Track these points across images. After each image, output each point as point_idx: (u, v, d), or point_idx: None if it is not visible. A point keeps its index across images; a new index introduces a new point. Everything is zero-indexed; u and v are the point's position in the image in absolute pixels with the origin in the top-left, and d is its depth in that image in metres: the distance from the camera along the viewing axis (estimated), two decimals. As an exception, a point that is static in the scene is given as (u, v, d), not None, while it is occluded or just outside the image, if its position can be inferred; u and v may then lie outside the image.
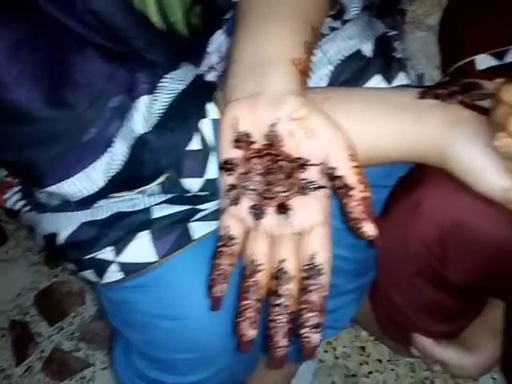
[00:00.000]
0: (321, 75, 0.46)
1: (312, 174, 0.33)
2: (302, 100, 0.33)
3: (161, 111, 0.38)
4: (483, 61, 0.58)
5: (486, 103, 0.35)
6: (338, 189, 0.32)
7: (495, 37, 0.57)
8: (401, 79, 0.47)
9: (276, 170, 0.33)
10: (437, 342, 0.51)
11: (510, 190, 0.32)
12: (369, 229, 0.31)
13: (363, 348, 0.89)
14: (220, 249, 0.34)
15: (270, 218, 0.33)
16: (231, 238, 0.34)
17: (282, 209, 0.33)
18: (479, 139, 0.34)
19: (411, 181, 0.40)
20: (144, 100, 0.37)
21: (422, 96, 0.36)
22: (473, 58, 0.59)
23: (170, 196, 0.43)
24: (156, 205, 0.44)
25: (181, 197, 0.43)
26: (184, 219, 0.44)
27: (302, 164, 0.32)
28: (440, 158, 0.36)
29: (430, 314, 0.46)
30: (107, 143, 0.38)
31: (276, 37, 0.37)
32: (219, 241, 0.35)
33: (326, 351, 0.89)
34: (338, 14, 0.46)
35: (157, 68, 0.39)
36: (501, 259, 0.37)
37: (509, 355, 0.41)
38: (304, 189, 0.33)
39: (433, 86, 0.37)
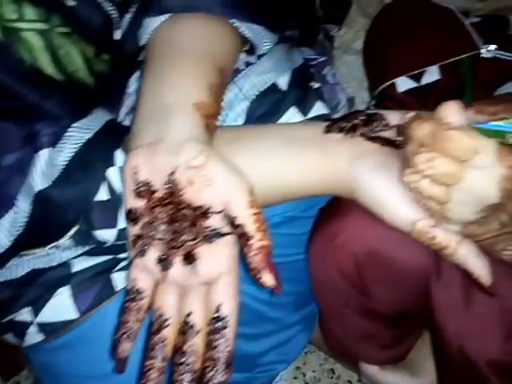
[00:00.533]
0: (238, 111, 0.46)
1: (215, 222, 0.32)
2: (201, 146, 0.32)
3: (65, 163, 0.36)
4: (403, 83, 0.60)
5: (389, 134, 0.36)
6: (238, 237, 0.31)
7: (413, 60, 0.59)
8: (317, 109, 0.47)
9: (180, 219, 0.32)
10: (382, 367, 0.51)
11: (417, 224, 0.32)
12: (267, 279, 0.30)
13: (333, 370, 0.87)
14: (127, 304, 0.33)
15: (178, 268, 0.32)
16: (139, 292, 0.33)
17: (189, 258, 0.32)
18: (384, 171, 0.34)
19: (328, 212, 0.40)
20: (44, 154, 0.36)
21: (328, 130, 0.36)
22: (393, 80, 0.61)
23: (88, 248, 0.42)
24: (75, 258, 0.42)
25: (99, 247, 0.41)
26: (106, 270, 0.42)
27: (204, 212, 0.32)
28: (348, 191, 0.36)
29: (368, 342, 0.46)
30: (10, 201, 0.36)
31: (179, 81, 0.36)
32: (126, 295, 0.33)
33: (295, 378, 0.87)
34: (252, 50, 0.46)
35: (61, 118, 0.38)
36: (416, 286, 0.37)
37: (441, 381, 0.41)
38: (209, 237, 0.32)
39: (337, 119, 0.37)
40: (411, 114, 0.31)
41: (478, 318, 0.35)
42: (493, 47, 0.53)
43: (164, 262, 0.32)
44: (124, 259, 0.43)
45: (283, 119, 0.46)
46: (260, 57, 0.48)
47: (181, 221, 0.32)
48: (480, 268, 0.32)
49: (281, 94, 0.47)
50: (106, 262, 0.42)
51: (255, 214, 0.31)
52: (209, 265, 0.31)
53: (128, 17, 0.42)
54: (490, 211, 0.29)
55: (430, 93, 0.57)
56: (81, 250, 0.42)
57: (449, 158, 0.28)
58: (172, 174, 0.31)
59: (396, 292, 0.38)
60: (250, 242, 0.30)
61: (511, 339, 0.34)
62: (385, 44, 0.61)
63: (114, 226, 0.37)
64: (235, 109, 0.46)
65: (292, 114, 0.46)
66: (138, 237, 0.33)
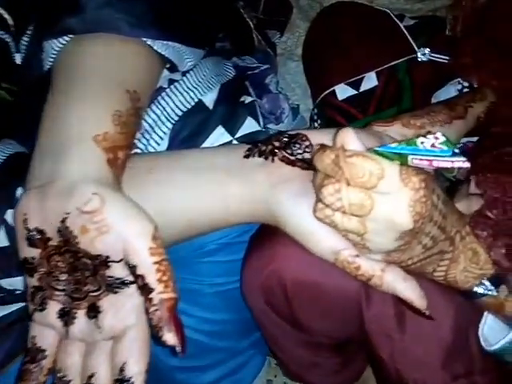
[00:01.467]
0: (161, 134, 0.43)
1: (117, 271, 0.29)
2: (94, 188, 0.28)
3: None
4: (343, 91, 0.58)
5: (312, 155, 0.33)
6: (139, 288, 0.28)
7: (351, 66, 0.57)
8: (247, 127, 0.45)
9: (81, 268, 0.29)
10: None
11: (340, 254, 0.30)
12: (168, 338, 0.27)
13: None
14: (25, 366, 0.29)
15: (81, 322, 0.29)
16: (40, 351, 0.29)
17: (92, 311, 0.29)
18: (306, 198, 0.31)
19: (257, 241, 0.37)
20: None
21: (248, 155, 0.34)
22: (333, 88, 0.59)
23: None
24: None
25: (12, 295, 0.37)
26: (20, 319, 0.38)
27: (104, 261, 0.28)
28: (272, 219, 0.33)
29: (316, 369, 0.43)
30: None
31: (79, 112, 0.32)
32: (25, 355, 0.30)
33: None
34: (173, 68, 0.43)
35: None
36: (348, 314, 0.35)
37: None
38: (112, 287, 0.29)
39: (258, 142, 0.35)
40: (316, 146, 0.29)
41: (413, 344, 0.33)
42: (427, 50, 0.52)
43: (66, 316, 0.29)
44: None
45: (209, 140, 0.43)
46: (185, 73, 0.45)
47: (82, 270, 0.29)
48: (410, 292, 0.30)
49: (207, 112, 0.44)
50: (19, 310, 0.38)
51: (157, 262, 0.27)
52: (113, 318, 0.28)
53: (26, 40, 0.38)
54: (409, 237, 0.27)
55: (370, 100, 0.55)
56: (-8, 298, 0.38)
57: (355, 187, 0.26)
58: (63, 221, 0.28)
59: (329, 321, 0.35)
60: (151, 296, 0.27)
61: (450, 364, 0.32)
62: (322, 51, 0.59)
63: (19, 274, 0.34)
64: (158, 131, 0.43)
65: (219, 135, 0.43)
66: (37, 289, 0.30)
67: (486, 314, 0.34)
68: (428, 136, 0.26)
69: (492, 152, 0.39)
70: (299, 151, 0.33)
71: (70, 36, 0.35)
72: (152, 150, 0.43)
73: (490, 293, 0.32)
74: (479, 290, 0.31)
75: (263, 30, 0.72)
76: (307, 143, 0.33)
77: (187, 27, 0.41)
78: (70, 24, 0.35)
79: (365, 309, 0.33)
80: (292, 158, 0.33)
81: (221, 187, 0.33)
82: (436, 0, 0.66)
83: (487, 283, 0.32)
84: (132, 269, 0.27)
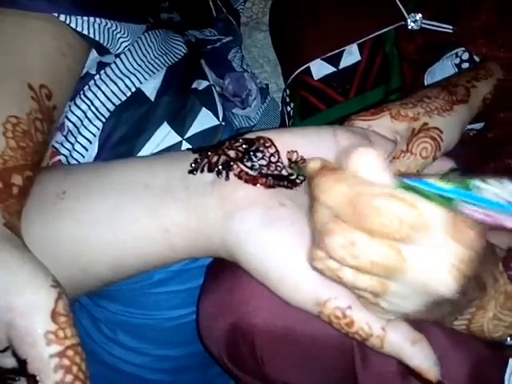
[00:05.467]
0: (88, 136, 0.33)
1: (5, 361, 0.20)
2: None
3: None
4: (319, 68, 0.49)
5: (276, 166, 0.25)
6: None
7: (328, 38, 0.48)
8: (200, 123, 0.35)
9: None
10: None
11: (326, 305, 0.22)
12: None
13: None
14: None
15: None
16: None
17: None
18: (275, 229, 0.23)
19: (216, 274, 0.29)
20: None
21: (194, 169, 0.25)
22: (307, 65, 0.50)
23: None
24: None
25: None
26: None
27: None
28: (228, 255, 0.25)
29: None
30: None
31: None
32: None
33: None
34: (101, 50, 0.33)
35: None
36: (336, 372, 0.27)
37: None
38: (2, 380, 0.20)
39: (207, 150, 0.26)
40: (313, 162, 0.20)
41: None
42: (419, 17, 0.43)
43: None
44: None
45: (152, 142, 0.33)
46: (119, 54, 0.36)
47: None
48: (421, 360, 0.22)
49: (147, 105, 0.34)
50: None
51: (59, 354, 0.18)
52: None
53: None
54: (446, 302, 0.20)
55: (352, 78, 0.46)
56: None
57: (377, 238, 0.18)
58: None
59: (308, 376, 0.28)
60: None
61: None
62: (293, 19, 0.49)
63: None
64: (84, 133, 0.33)
65: (164, 134, 0.34)
66: None
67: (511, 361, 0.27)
68: (489, 180, 0.17)
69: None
70: (263, 162, 0.24)
71: None
72: (78, 158, 0.34)
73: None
74: (510, 340, 0.24)
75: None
76: (272, 150, 0.25)
77: None
78: None
79: (360, 369, 0.25)
80: (252, 172, 0.24)
81: (158, 216, 0.24)
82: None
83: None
84: (21, 363, 0.19)
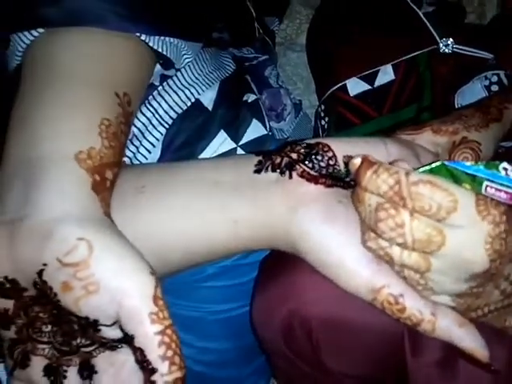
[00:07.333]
0: (153, 141, 0.37)
1: (111, 333, 0.23)
2: (80, 231, 0.22)
3: None
4: (355, 85, 0.52)
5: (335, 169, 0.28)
6: (138, 363, 0.22)
7: (364, 58, 0.51)
8: (253, 131, 0.39)
9: (67, 320, 0.23)
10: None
11: (380, 292, 0.25)
12: None
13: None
14: None
15: (72, 382, 0.23)
16: None
17: (86, 369, 0.23)
18: (335, 223, 0.26)
19: (272, 267, 0.32)
20: None
21: (259, 169, 0.28)
22: (343, 82, 0.53)
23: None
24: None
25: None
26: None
27: (92, 324, 0.23)
28: (290, 247, 0.28)
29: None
30: None
31: (54, 122, 0.26)
32: None
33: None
34: (168, 65, 0.37)
35: None
36: (386, 360, 0.30)
37: None
38: (108, 345, 0.23)
39: (271, 153, 0.29)
40: (358, 159, 0.23)
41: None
42: (450, 41, 0.46)
43: (54, 374, 0.23)
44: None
45: (210, 148, 0.37)
46: (179, 68, 0.39)
47: (68, 322, 0.23)
48: (470, 341, 0.25)
49: (206, 114, 0.38)
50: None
51: (161, 332, 0.21)
52: (111, 380, 0.22)
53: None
54: (483, 279, 0.22)
55: (386, 96, 0.49)
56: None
57: (420, 219, 0.22)
58: (40, 273, 0.22)
59: (361, 365, 0.30)
60: (153, 378, 0.21)
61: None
62: (331, 40, 0.53)
63: None
64: (149, 137, 0.37)
65: (221, 141, 0.37)
66: (16, 342, 0.24)
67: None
68: None
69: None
70: (322, 164, 0.27)
71: (44, 29, 0.29)
72: (141, 160, 0.37)
73: None
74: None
75: (260, 16, 0.66)
76: (330, 154, 0.28)
77: (186, 18, 0.35)
78: (47, 14, 0.29)
79: (409, 357, 0.28)
80: (314, 173, 0.27)
81: (227, 210, 0.28)
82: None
83: None
84: (128, 338, 0.22)
